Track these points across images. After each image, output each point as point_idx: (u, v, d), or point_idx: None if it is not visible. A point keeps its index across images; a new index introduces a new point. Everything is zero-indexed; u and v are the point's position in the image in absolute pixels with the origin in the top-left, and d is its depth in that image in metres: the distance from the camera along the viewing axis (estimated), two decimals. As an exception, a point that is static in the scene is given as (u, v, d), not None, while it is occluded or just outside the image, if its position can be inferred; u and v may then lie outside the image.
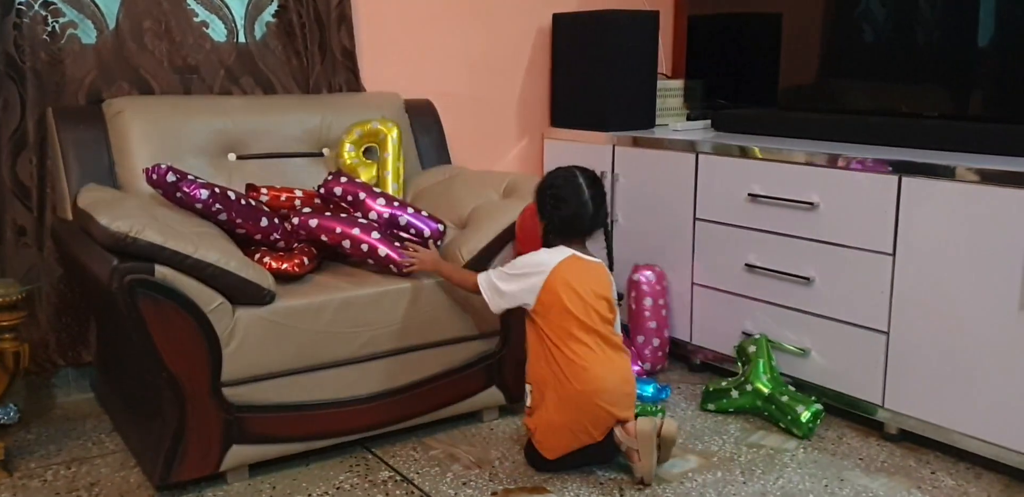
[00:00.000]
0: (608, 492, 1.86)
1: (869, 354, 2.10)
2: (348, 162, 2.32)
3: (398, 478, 1.91)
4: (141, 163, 2.07)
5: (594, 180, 1.92)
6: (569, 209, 1.88)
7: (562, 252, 1.89)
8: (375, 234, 1.99)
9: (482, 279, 1.92)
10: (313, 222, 2.00)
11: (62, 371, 2.32)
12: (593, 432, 1.86)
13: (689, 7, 2.99)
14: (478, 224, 2.14)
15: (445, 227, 2.13)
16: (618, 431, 1.86)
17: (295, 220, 2.01)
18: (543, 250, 1.91)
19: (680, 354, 2.61)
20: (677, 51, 3.24)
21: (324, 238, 1.99)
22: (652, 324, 2.53)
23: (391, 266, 1.99)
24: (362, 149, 2.35)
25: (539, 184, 1.95)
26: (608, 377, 1.84)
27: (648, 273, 2.53)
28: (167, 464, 1.77)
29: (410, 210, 2.11)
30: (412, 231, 2.09)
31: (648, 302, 2.52)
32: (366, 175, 2.31)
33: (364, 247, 1.99)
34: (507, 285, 1.89)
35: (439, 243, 2.10)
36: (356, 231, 1.99)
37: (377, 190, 2.15)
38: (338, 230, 1.99)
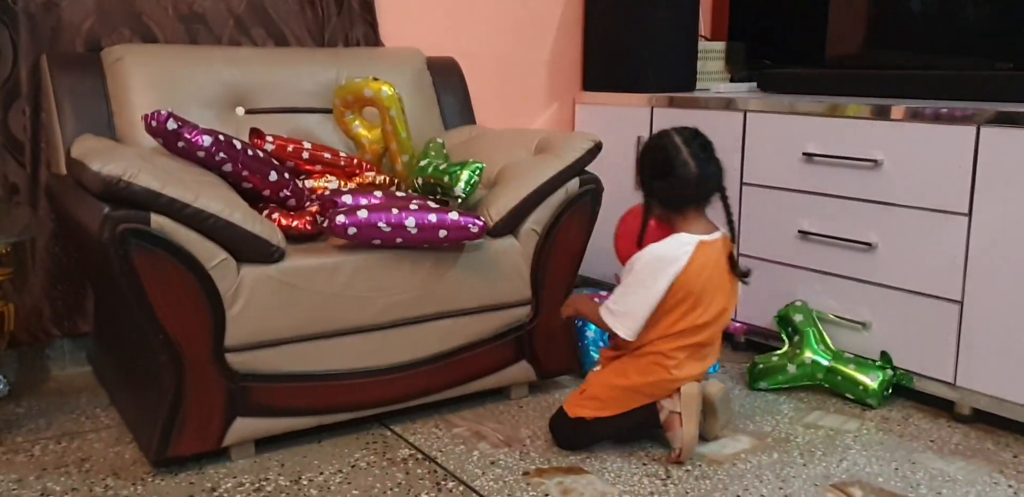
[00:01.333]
0: (652, 473, 1.69)
1: (939, 327, 1.92)
2: (352, 130, 2.14)
3: (419, 456, 1.76)
4: (141, 113, 1.93)
5: (695, 135, 1.70)
6: (671, 173, 1.66)
7: (685, 244, 1.67)
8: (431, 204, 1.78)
9: (602, 312, 1.72)
10: (362, 214, 1.69)
11: (57, 342, 2.19)
12: (651, 396, 1.73)
13: (732, -37, 2.83)
14: (508, 183, 1.98)
15: (486, 221, 1.83)
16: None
17: (337, 219, 1.68)
18: (662, 245, 1.68)
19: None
20: (717, 12, 3.07)
21: (381, 226, 1.69)
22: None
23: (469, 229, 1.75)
24: (362, 111, 2.14)
25: (636, 158, 1.77)
26: (689, 378, 1.72)
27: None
28: (164, 437, 1.63)
29: (433, 206, 1.80)
30: (449, 235, 1.76)
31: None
32: (375, 140, 2.13)
33: (432, 217, 1.72)
34: (630, 300, 1.68)
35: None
36: (414, 206, 1.74)
37: (392, 194, 1.84)
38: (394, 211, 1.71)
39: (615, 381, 1.74)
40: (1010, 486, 1.65)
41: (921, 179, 1.93)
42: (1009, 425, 1.87)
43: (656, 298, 1.67)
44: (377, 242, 1.74)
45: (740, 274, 1.75)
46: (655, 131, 1.77)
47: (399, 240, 1.74)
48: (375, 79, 2.06)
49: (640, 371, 1.71)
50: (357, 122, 2.13)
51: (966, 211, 1.86)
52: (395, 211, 1.73)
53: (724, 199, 1.73)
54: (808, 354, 2.05)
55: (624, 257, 1.80)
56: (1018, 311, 1.79)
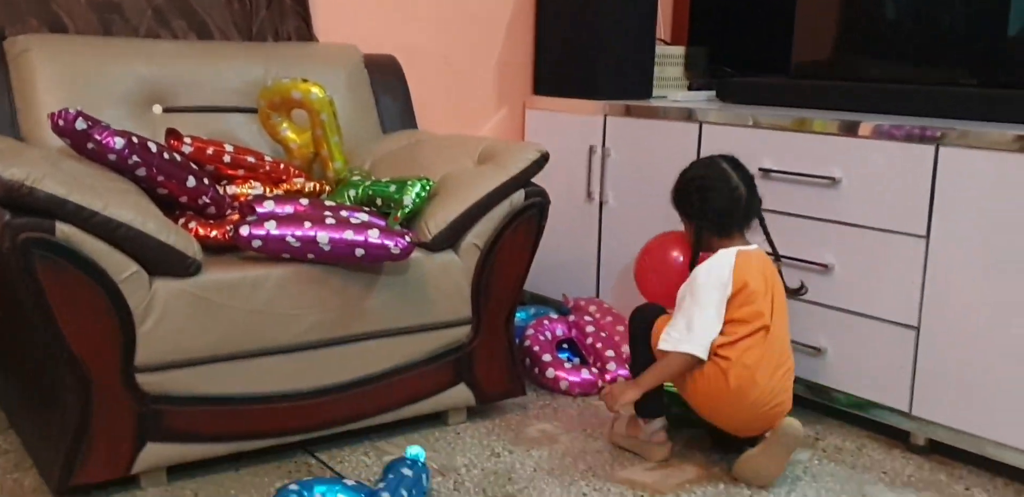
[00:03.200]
0: (593, 506, 1.75)
1: (895, 354, 2.02)
2: (280, 134, 2.17)
3: (344, 487, 1.79)
4: (48, 111, 1.93)
5: (737, 163, 1.94)
6: (722, 198, 1.89)
7: (727, 254, 1.87)
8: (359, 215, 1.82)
9: (669, 344, 1.83)
10: (270, 226, 1.73)
11: (-53, 359, 2.16)
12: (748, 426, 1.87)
13: (693, -37, 2.93)
14: (448, 194, 2.03)
15: (413, 241, 1.82)
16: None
17: (242, 230, 1.73)
18: (707, 262, 1.88)
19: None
20: (678, 15, 3.17)
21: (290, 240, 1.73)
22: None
23: (390, 249, 1.77)
24: (290, 113, 2.17)
25: (676, 185, 1.97)
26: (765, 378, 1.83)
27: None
28: (68, 464, 1.64)
29: (356, 221, 1.80)
30: (367, 255, 1.77)
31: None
32: (303, 144, 2.16)
33: (348, 235, 1.74)
34: (701, 317, 1.82)
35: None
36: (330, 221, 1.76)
37: (319, 203, 1.86)
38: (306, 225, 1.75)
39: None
40: (961, 519, 1.74)
41: (880, 199, 2.03)
42: (965, 457, 1.96)
43: (719, 305, 1.82)
44: (287, 256, 1.78)
45: (792, 289, 1.98)
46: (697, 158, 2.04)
47: (310, 255, 1.78)
48: (304, 80, 2.09)
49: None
50: (285, 125, 2.17)
51: (924, 233, 1.96)
52: (307, 225, 1.75)
53: (763, 225, 2.00)
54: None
55: (656, 292, 2.02)
56: (976, 338, 1.89)
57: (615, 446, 2.00)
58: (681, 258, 2.07)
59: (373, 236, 1.77)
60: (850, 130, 2.07)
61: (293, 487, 1.59)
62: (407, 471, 1.68)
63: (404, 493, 1.63)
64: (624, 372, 2.32)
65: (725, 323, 1.83)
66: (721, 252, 1.88)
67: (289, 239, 1.75)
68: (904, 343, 2.01)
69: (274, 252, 1.77)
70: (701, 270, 1.87)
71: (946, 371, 1.94)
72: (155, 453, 1.71)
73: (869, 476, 1.91)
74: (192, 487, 1.76)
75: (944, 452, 2.00)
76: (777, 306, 1.87)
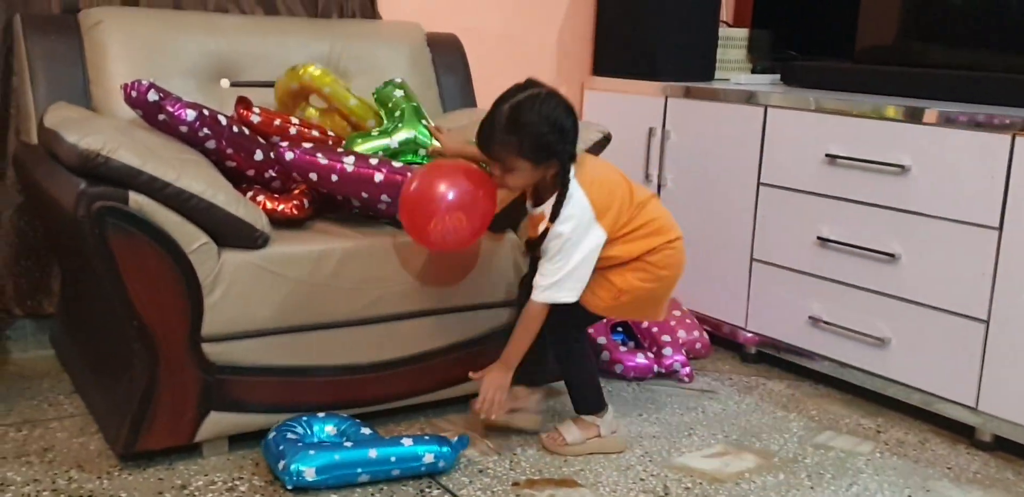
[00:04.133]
0: (650, 489, 1.74)
1: (963, 347, 1.98)
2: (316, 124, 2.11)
3: (402, 462, 1.81)
4: (120, 82, 1.94)
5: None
6: (573, 117, 1.70)
7: (575, 188, 1.72)
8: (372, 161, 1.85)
9: (544, 295, 1.75)
10: (306, 145, 1.84)
11: (19, 322, 2.23)
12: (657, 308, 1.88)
13: (760, -55, 2.88)
14: (510, 173, 2.02)
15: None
16: None
17: (281, 144, 1.82)
18: (568, 207, 1.72)
19: (730, 342, 2.50)
20: (742, -3, 3.12)
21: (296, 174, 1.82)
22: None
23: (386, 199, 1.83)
24: (309, 100, 2.13)
25: (521, 126, 1.66)
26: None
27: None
28: (133, 429, 1.67)
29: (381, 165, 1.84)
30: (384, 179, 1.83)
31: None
32: (339, 126, 2.13)
33: (373, 161, 1.83)
34: (575, 259, 1.73)
35: None
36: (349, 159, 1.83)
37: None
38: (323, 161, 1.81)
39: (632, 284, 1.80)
40: (1026, 517, 1.71)
41: (951, 188, 1.98)
42: (1031, 454, 1.93)
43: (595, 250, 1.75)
44: (314, 177, 1.80)
45: None
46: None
47: (334, 177, 1.80)
48: (291, 68, 2.07)
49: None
50: (311, 113, 2.13)
51: (997, 224, 1.91)
52: (340, 151, 1.84)
53: None
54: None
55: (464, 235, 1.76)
56: (1046, 332, 1.85)
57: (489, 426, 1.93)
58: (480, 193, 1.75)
59: (395, 164, 1.85)
60: (920, 117, 2.02)
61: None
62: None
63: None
64: (680, 357, 2.31)
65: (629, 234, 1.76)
66: (573, 195, 1.71)
67: (319, 155, 1.79)
68: (972, 336, 1.96)
69: (303, 166, 1.79)
70: (568, 222, 1.70)
71: (1016, 366, 1.90)
72: (218, 422, 1.74)
73: (933, 471, 1.87)
74: (253, 457, 1.78)
75: (1011, 449, 1.96)
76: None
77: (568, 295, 1.75)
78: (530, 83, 1.72)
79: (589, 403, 1.90)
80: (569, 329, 1.86)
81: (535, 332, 1.79)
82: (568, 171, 1.73)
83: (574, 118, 1.72)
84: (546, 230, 1.74)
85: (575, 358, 1.89)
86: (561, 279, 1.74)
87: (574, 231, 1.72)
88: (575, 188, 1.72)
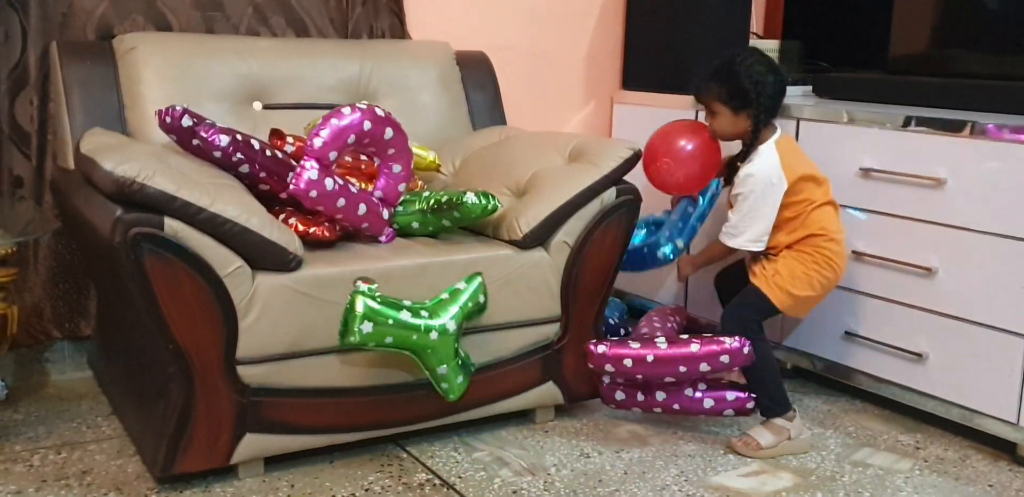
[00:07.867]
0: (685, 510, 1.74)
1: (1003, 362, 1.95)
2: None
3: (436, 482, 1.81)
4: (154, 107, 1.98)
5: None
6: (776, 77, 2.04)
7: (769, 147, 2.04)
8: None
9: (734, 239, 2.05)
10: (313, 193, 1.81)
11: (57, 344, 2.27)
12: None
13: (789, -44, 2.87)
14: (540, 191, 2.03)
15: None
16: None
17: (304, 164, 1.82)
18: (756, 161, 2.02)
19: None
20: (772, 8, 3.11)
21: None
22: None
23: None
24: None
25: (725, 75, 2.02)
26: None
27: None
28: (170, 452, 1.69)
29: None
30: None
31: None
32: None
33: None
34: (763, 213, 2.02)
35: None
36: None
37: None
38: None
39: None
40: (1073, 537, 1.68)
41: (989, 201, 1.96)
42: (1075, 471, 1.89)
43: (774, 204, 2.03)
44: (320, 208, 1.83)
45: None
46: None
47: (341, 200, 1.83)
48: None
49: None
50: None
51: (1036, 237, 1.89)
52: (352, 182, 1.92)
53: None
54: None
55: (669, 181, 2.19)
56: (1089, 347, 1.81)
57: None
58: (690, 146, 2.14)
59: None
60: (956, 129, 2.00)
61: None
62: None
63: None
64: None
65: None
66: (763, 151, 2.02)
67: (327, 180, 1.82)
68: (1012, 351, 1.93)
69: (310, 191, 1.80)
70: (757, 178, 2.01)
71: (1058, 381, 1.87)
72: (253, 444, 1.75)
73: (974, 489, 1.85)
74: (288, 478, 1.80)
75: (1053, 466, 1.93)
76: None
77: (747, 242, 2.04)
78: (751, 49, 2.15)
79: (778, 405, 1.97)
80: (750, 315, 2.04)
81: (721, 254, 2.16)
82: (760, 126, 2.03)
83: (778, 77, 2.05)
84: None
85: (761, 355, 1.96)
86: (741, 225, 2.04)
87: (756, 184, 2.00)
88: (768, 147, 2.03)
